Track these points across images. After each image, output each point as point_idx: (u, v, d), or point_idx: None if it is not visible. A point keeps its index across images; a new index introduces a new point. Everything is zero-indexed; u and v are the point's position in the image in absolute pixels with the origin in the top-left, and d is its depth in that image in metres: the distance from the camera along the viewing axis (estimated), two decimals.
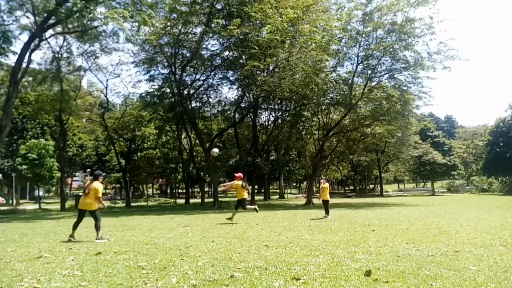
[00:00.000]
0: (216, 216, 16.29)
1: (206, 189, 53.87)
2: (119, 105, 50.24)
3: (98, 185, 8.34)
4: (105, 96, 36.92)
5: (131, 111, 38.05)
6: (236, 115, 33.65)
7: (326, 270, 4.88)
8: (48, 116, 38.78)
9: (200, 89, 32.40)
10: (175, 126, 36.91)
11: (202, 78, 31.34)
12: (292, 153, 48.64)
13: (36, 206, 32.78)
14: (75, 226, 8.43)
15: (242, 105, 32.65)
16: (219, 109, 35.64)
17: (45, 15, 19.63)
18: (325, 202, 13.49)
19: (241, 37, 23.92)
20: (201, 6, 23.74)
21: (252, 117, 32.54)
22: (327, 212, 13.33)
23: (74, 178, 64.84)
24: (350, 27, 24.32)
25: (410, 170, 61.19)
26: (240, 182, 12.14)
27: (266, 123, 37.84)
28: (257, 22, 24.06)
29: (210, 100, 34.97)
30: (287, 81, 24.02)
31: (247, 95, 31.02)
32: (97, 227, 8.30)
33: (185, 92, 30.06)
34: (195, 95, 32.66)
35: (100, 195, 8.31)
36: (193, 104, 33.07)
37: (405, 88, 25.78)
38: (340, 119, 28.70)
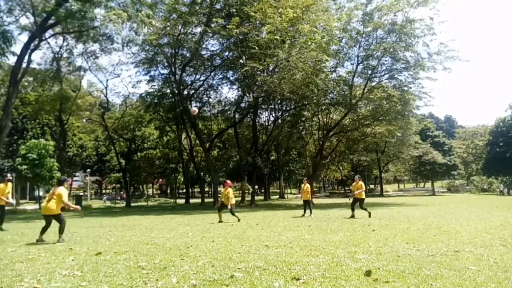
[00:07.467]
0: (216, 216, 16.25)
1: (206, 189, 53.86)
2: (119, 105, 50.24)
3: (62, 190, 8.25)
4: (105, 96, 36.96)
5: (131, 111, 38.05)
6: (236, 115, 33.61)
7: (326, 270, 4.88)
8: (48, 116, 38.77)
9: (200, 89, 32.40)
10: (175, 127, 36.91)
11: (202, 78, 31.36)
12: (292, 153, 48.62)
13: (36, 206, 32.73)
14: (43, 231, 8.19)
15: (242, 105, 32.62)
16: (219, 109, 35.64)
17: (45, 15, 19.61)
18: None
19: (240, 37, 23.90)
20: (200, 6, 23.73)
21: (252, 117, 32.53)
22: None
23: (74, 178, 64.75)
24: (350, 27, 24.35)
25: (410, 170, 61.21)
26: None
27: (266, 123, 37.83)
28: (257, 22, 24.03)
29: (210, 100, 34.99)
30: (287, 81, 24.02)
31: (247, 95, 30.98)
32: (61, 230, 8.19)
33: (185, 92, 30.03)
34: (195, 95, 32.64)
35: (64, 199, 8.15)
36: (193, 104, 33.04)
37: (405, 88, 25.82)
38: (340, 119, 28.71)
